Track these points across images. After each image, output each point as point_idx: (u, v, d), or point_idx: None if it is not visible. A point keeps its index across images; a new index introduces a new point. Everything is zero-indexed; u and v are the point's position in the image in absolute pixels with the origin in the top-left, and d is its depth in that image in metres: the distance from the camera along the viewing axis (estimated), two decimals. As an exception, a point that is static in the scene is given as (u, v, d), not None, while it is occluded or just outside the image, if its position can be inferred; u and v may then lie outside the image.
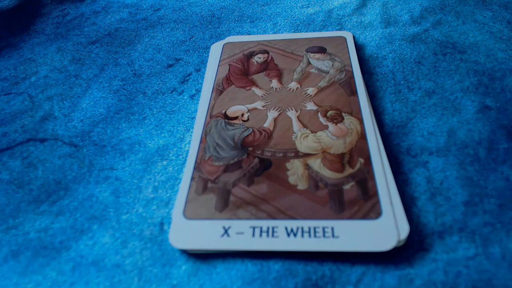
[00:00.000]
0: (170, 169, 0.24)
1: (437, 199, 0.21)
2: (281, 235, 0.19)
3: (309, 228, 0.20)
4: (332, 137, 0.24)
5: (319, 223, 0.20)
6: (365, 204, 0.20)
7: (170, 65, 0.33)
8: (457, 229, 0.20)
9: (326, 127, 0.25)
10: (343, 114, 0.25)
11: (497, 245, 0.19)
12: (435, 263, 0.19)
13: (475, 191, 0.21)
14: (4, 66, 0.35)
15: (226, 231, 0.20)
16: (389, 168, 0.22)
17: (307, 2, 0.38)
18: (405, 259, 0.19)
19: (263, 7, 0.39)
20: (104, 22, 0.39)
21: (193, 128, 0.26)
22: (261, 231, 0.20)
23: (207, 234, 0.20)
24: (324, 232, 0.19)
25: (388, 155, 0.23)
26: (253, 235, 0.20)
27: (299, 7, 0.38)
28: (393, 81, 0.28)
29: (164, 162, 0.25)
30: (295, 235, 0.19)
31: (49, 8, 0.42)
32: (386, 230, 0.19)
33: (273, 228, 0.20)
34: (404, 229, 0.19)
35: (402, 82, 0.28)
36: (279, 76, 0.29)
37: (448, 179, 0.22)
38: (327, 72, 0.29)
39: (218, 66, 0.31)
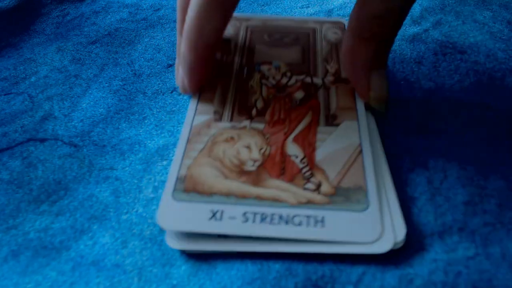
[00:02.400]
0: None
1: (437, 199, 0.21)
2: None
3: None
4: None
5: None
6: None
7: (170, 65, 0.33)
8: (457, 229, 0.20)
9: None
10: None
11: (497, 245, 0.19)
12: (435, 263, 0.19)
13: (475, 191, 0.21)
14: (4, 66, 0.35)
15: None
16: (386, 165, 0.22)
17: (307, 2, 0.38)
18: (405, 259, 0.19)
19: (263, 7, 0.39)
20: (104, 22, 0.39)
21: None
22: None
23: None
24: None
25: (387, 154, 0.23)
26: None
27: (299, 7, 0.38)
28: (393, 81, 0.28)
29: (164, 162, 0.25)
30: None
31: (49, 8, 0.42)
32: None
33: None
34: (401, 232, 0.19)
35: (402, 82, 0.28)
36: None
37: (448, 179, 0.22)
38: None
39: None
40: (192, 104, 0.26)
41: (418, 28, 0.33)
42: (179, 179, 0.21)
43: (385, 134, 0.25)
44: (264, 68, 0.28)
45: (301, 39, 0.30)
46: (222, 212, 0.20)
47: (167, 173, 0.24)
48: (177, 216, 0.20)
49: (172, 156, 0.25)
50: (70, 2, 0.43)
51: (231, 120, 0.24)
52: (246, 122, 0.24)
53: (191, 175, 0.22)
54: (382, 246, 0.18)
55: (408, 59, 0.30)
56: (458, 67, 0.29)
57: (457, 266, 0.19)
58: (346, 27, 0.30)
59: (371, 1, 0.21)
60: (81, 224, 0.22)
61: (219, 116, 0.25)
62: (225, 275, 0.19)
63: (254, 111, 0.25)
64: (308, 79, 0.27)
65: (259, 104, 0.25)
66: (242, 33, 0.30)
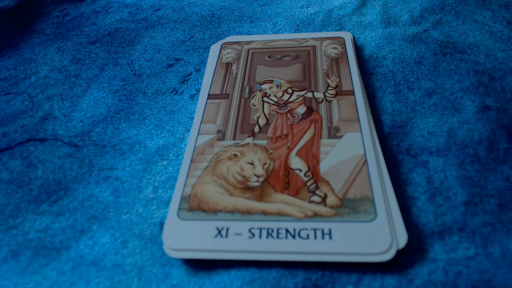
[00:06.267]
0: (170, 169, 0.24)
1: (437, 199, 0.21)
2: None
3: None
4: None
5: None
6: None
7: (170, 65, 0.33)
8: (457, 229, 0.20)
9: None
10: None
11: (497, 245, 0.19)
12: (435, 263, 0.19)
13: (475, 191, 0.21)
14: (4, 66, 0.35)
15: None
16: (387, 174, 0.22)
17: (307, 2, 0.38)
18: (405, 259, 0.19)
19: (263, 7, 0.39)
20: (104, 22, 0.39)
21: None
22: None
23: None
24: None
25: (387, 155, 0.23)
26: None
27: (299, 7, 0.38)
28: (393, 81, 0.28)
29: (164, 162, 0.25)
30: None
31: (49, 8, 0.42)
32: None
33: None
34: (402, 238, 0.19)
35: (402, 82, 0.28)
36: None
37: (448, 179, 0.22)
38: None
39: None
40: (195, 124, 0.26)
41: (418, 28, 0.33)
42: (184, 198, 0.21)
43: (386, 135, 0.25)
44: (266, 86, 0.28)
45: (301, 57, 0.30)
46: (227, 229, 0.20)
47: (167, 173, 0.24)
48: (182, 235, 0.20)
49: (172, 156, 0.25)
50: (70, 2, 0.43)
51: (234, 138, 0.25)
52: (249, 139, 0.24)
53: (196, 194, 0.22)
54: (385, 255, 0.18)
55: (408, 59, 0.30)
56: (458, 67, 0.29)
57: (457, 266, 0.19)
58: (345, 42, 0.31)
59: None
60: (81, 224, 0.22)
61: (222, 135, 0.25)
62: (225, 275, 0.19)
63: (256, 128, 0.25)
64: (309, 94, 0.27)
65: (262, 121, 0.25)
66: (243, 56, 0.31)
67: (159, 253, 0.20)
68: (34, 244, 0.21)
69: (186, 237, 0.20)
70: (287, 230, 0.19)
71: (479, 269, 0.18)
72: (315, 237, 0.19)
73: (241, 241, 0.19)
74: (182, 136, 0.26)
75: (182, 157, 0.25)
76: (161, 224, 0.22)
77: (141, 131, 0.27)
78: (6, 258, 0.21)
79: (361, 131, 0.24)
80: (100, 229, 0.22)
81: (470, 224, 0.20)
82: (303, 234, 0.19)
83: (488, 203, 0.21)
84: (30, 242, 0.21)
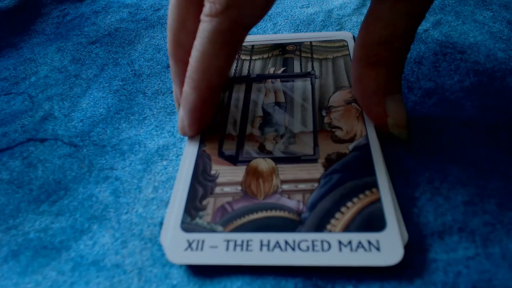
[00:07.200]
0: (170, 169, 0.24)
1: (437, 199, 0.21)
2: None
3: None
4: None
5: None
6: None
7: (170, 65, 0.33)
8: (457, 229, 0.20)
9: None
10: None
11: (497, 245, 0.19)
12: (435, 263, 0.19)
13: (475, 191, 0.21)
14: (4, 66, 0.35)
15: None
16: (389, 181, 0.22)
17: (307, 2, 0.38)
18: (404, 259, 0.19)
19: (263, 7, 0.39)
20: (104, 22, 0.39)
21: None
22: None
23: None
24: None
25: (388, 156, 0.23)
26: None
27: (299, 7, 0.38)
28: (393, 81, 0.28)
29: (164, 162, 0.25)
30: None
31: (49, 8, 0.42)
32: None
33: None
34: (402, 238, 0.19)
35: (402, 82, 0.28)
36: None
37: (448, 179, 0.22)
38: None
39: None
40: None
41: (418, 28, 0.33)
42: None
43: (386, 135, 0.25)
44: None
45: None
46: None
47: (167, 173, 0.24)
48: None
49: (172, 156, 0.25)
50: (70, 2, 0.43)
51: None
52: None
53: None
54: (391, 260, 0.18)
55: (408, 59, 0.30)
56: (458, 67, 0.29)
57: (457, 266, 0.19)
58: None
59: (374, 29, 0.21)
60: (81, 224, 0.22)
61: None
62: (225, 275, 0.19)
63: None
64: None
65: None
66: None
67: (159, 253, 0.20)
68: (34, 244, 0.21)
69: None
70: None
71: (479, 269, 0.18)
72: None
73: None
74: (182, 137, 0.26)
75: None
76: (161, 224, 0.22)
77: (141, 131, 0.27)
78: (6, 258, 0.21)
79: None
80: (100, 229, 0.22)
81: (470, 224, 0.20)
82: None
83: (488, 203, 0.21)
84: (30, 242, 0.21)
